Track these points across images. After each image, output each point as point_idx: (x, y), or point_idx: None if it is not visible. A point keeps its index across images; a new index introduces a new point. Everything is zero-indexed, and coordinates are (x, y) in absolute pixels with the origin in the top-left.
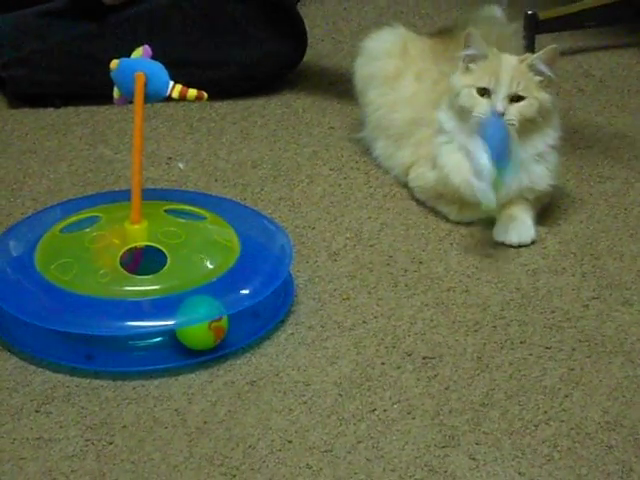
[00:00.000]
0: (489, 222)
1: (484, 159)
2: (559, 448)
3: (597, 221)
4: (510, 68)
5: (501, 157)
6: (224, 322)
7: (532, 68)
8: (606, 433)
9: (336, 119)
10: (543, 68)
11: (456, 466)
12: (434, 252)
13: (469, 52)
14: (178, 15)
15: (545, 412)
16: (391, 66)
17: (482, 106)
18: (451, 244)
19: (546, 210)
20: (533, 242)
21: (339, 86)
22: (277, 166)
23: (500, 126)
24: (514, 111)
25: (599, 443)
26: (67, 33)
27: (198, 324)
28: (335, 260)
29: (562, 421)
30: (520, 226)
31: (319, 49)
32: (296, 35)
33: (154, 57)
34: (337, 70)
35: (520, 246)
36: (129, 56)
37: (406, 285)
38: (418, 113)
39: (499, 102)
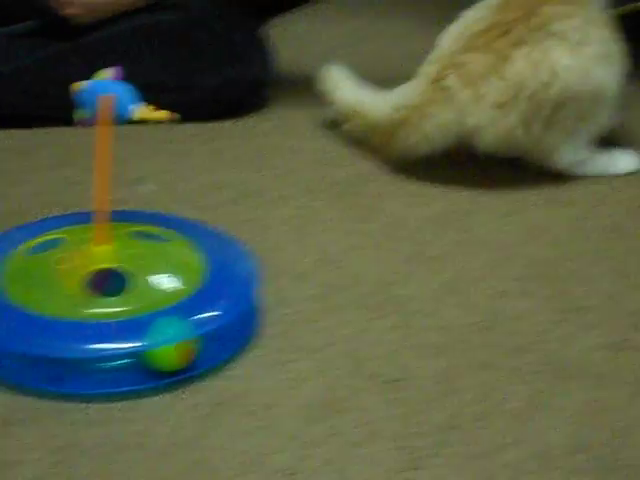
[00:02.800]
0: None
1: None
2: (523, 472)
3: (561, 244)
4: None
5: None
6: (193, 345)
7: None
8: (570, 456)
9: (302, 142)
10: None
11: None
12: (400, 275)
13: None
14: (145, 39)
15: (509, 435)
16: None
17: None
18: (417, 267)
19: (510, 234)
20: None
21: (305, 110)
22: (244, 188)
23: None
24: None
25: (563, 466)
26: (36, 55)
27: (166, 346)
28: (301, 282)
29: (526, 445)
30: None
31: (286, 72)
32: (263, 58)
33: (123, 79)
34: (304, 93)
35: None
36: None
37: (372, 308)
38: None
39: None
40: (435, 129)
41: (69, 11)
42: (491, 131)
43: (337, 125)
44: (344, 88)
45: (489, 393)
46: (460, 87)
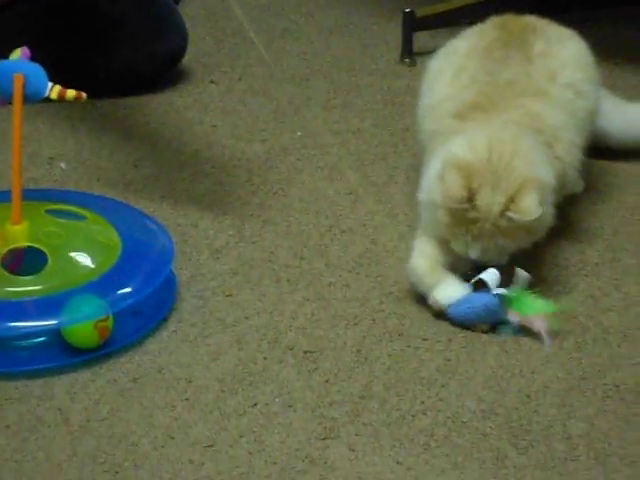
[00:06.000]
0: None
1: None
2: (436, 437)
3: None
4: None
5: None
6: (109, 322)
7: None
8: (481, 421)
9: (218, 117)
10: None
11: (336, 457)
12: (315, 248)
13: None
14: (56, 17)
15: (422, 402)
16: None
17: None
18: (332, 240)
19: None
20: None
21: (221, 85)
22: (159, 165)
23: None
24: None
25: (474, 431)
26: None
27: (83, 323)
28: (217, 258)
29: (439, 410)
30: None
31: (200, 47)
32: (177, 32)
33: (32, 58)
34: (219, 68)
35: None
36: (7, 58)
37: (288, 281)
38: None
39: None
40: None
41: None
42: None
43: None
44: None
45: (402, 362)
46: None
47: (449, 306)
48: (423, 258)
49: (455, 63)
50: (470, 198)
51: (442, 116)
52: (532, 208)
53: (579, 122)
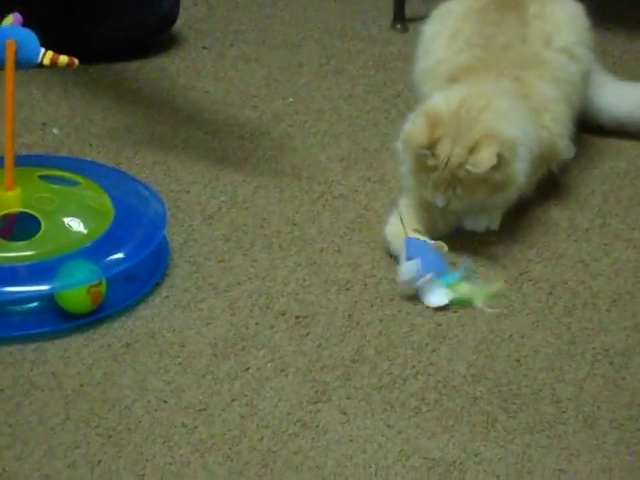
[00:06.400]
0: None
1: None
2: (426, 401)
3: None
4: None
5: None
6: (103, 287)
7: None
8: (471, 385)
9: (210, 83)
10: None
11: (327, 421)
12: (307, 214)
13: None
14: None
15: (413, 366)
16: None
17: None
18: (324, 206)
19: None
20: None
21: (213, 51)
22: (151, 130)
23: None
24: None
25: (465, 395)
26: None
27: (77, 288)
28: (210, 223)
29: (429, 375)
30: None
31: (192, 13)
32: None
33: (25, 24)
34: (211, 34)
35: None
36: None
37: (280, 246)
38: None
39: None
40: None
41: None
42: None
43: None
44: None
45: (394, 326)
46: None
47: (410, 238)
48: (395, 226)
49: (450, 26)
50: (431, 146)
51: (439, 79)
52: (486, 160)
53: (571, 88)
